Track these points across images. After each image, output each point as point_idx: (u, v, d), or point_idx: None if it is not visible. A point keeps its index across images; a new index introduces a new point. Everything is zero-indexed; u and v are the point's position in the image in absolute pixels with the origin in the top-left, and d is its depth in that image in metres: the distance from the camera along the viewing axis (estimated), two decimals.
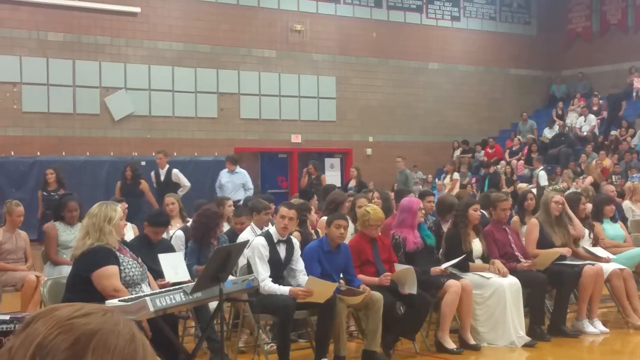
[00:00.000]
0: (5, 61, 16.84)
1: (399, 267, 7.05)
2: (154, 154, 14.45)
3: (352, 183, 16.22)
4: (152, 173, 14.10)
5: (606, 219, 8.99)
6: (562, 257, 8.08)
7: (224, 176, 14.47)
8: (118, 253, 5.56)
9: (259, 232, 7.50)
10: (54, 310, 1.27)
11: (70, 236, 8.08)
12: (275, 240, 6.67)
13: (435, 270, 7.25)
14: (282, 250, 6.69)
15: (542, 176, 17.63)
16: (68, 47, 17.51)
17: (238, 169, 14.47)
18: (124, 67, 18.20)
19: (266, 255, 6.54)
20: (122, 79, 18.17)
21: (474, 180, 20.81)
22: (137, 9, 18.35)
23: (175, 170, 13.87)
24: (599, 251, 8.36)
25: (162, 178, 13.85)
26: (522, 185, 15.14)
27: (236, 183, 14.20)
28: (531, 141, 21.66)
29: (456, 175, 19.43)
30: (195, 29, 19.13)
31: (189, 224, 8.30)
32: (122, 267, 5.53)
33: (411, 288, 6.83)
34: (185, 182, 13.74)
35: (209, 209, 7.69)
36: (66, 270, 7.27)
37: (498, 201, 8.02)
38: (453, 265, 7.39)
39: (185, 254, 7.40)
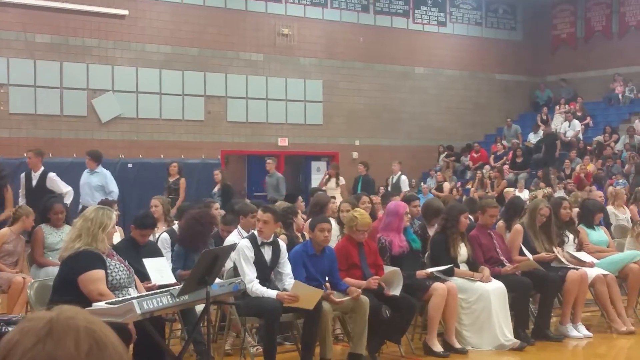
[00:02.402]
0: None
1: (387, 268, 7.06)
2: (25, 154, 12.33)
3: (216, 188, 14.37)
4: (22, 175, 11.79)
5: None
6: (547, 262, 8.12)
7: (82, 176, 12.25)
8: (105, 257, 5.53)
9: (245, 235, 7.48)
10: None
11: (57, 238, 8.07)
12: (260, 243, 6.65)
13: (420, 273, 7.26)
14: (267, 253, 6.67)
15: (404, 181, 16.85)
16: (55, 48, 17.42)
17: (99, 168, 12.15)
18: (112, 69, 18.13)
19: (251, 257, 6.53)
20: (109, 81, 18.10)
21: (459, 184, 20.87)
22: (125, 12, 18.29)
23: (51, 175, 11.38)
24: (583, 256, 8.40)
25: (34, 183, 11.34)
26: (509, 190, 15.07)
27: (93, 185, 11.89)
28: (516, 146, 21.76)
29: (342, 180, 16.73)
30: (183, 31, 19.09)
31: (174, 227, 8.26)
32: (109, 271, 5.50)
33: (395, 290, 6.83)
34: (62, 187, 11.18)
35: (205, 214, 7.61)
36: (52, 271, 7.25)
37: (488, 207, 8.04)
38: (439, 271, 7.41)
39: (171, 257, 7.38)
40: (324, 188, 15.82)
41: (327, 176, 16.87)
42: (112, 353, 1.30)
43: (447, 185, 18.00)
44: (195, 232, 7.26)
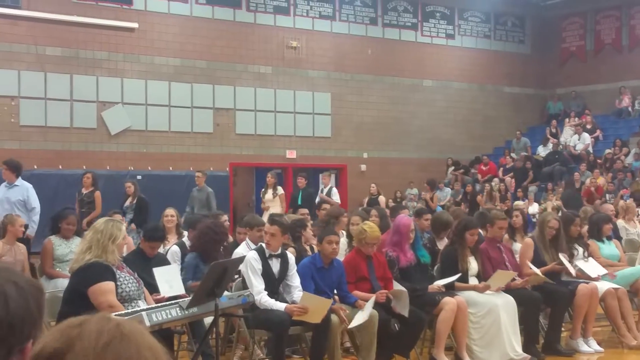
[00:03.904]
0: (4, 75, 16.85)
1: (396, 286, 7.03)
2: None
3: (128, 201, 13.06)
4: None
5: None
6: (557, 276, 8.08)
7: None
8: (115, 269, 5.54)
9: (253, 247, 7.49)
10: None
11: (66, 250, 8.07)
12: (267, 255, 6.65)
13: (432, 287, 7.22)
14: (275, 265, 6.66)
15: (335, 194, 15.92)
16: (66, 61, 17.52)
17: (19, 181, 10.51)
18: (121, 82, 18.22)
19: (259, 269, 6.52)
20: (119, 93, 18.19)
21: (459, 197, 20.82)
22: (135, 25, 18.39)
23: None
24: (592, 266, 8.32)
25: None
26: (519, 203, 15.01)
27: (13, 200, 10.26)
28: (525, 159, 21.71)
29: (280, 190, 15.27)
30: (192, 44, 19.19)
31: (184, 239, 8.30)
32: (118, 283, 5.51)
33: (403, 309, 6.81)
34: None
35: (219, 224, 7.68)
36: (61, 283, 7.26)
37: (497, 219, 8.01)
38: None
39: (181, 269, 7.40)
40: (262, 199, 14.95)
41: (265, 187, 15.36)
42: (131, 346, 1.32)
43: (382, 199, 17.24)
44: (210, 241, 7.27)
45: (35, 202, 10.43)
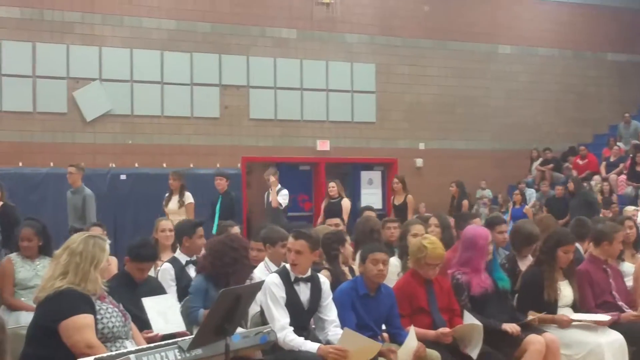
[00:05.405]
0: None
1: (467, 318, 7.00)
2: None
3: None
4: None
5: None
6: None
7: None
8: (95, 299, 5.59)
9: (274, 269, 7.51)
10: None
11: (31, 273, 8.16)
12: (293, 279, 6.68)
13: (510, 328, 7.14)
14: (303, 292, 6.69)
15: (284, 196, 15.34)
16: (26, 25, 17.71)
17: None
18: (99, 51, 18.38)
19: (282, 297, 6.55)
20: (96, 67, 18.34)
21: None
22: None
23: None
24: None
25: None
26: (629, 209, 14.87)
27: None
28: (636, 149, 21.56)
29: (189, 198, 14.80)
30: (192, 2, 19.32)
31: (176, 255, 8.29)
32: (99, 317, 5.56)
33: (473, 350, 6.82)
34: None
35: (236, 237, 7.39)
36: (25, 318, 7.35)
37: (615, 232, 8.00)
38: None
39: (175, 293, 7.43)
40: (165, 209, 14.40)
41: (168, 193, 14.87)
42: None
43: (346, 203, 15.85)
44: (230, 263, 7.09)
45: None
